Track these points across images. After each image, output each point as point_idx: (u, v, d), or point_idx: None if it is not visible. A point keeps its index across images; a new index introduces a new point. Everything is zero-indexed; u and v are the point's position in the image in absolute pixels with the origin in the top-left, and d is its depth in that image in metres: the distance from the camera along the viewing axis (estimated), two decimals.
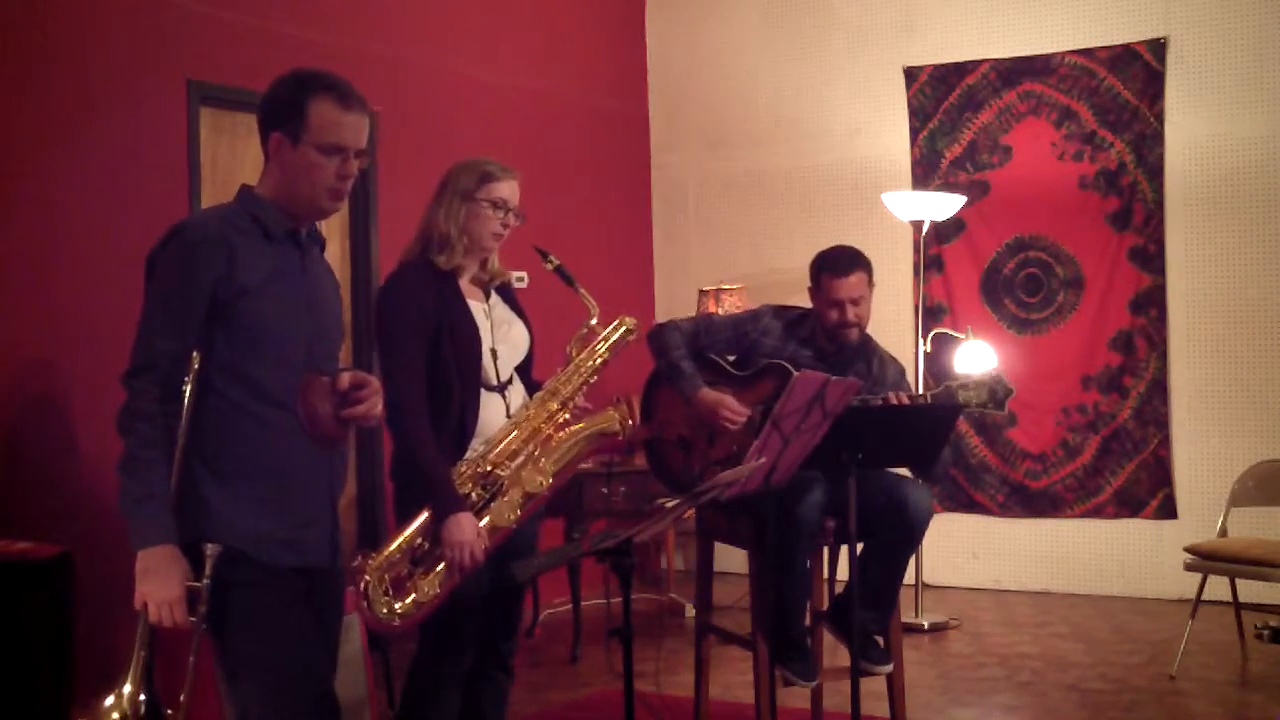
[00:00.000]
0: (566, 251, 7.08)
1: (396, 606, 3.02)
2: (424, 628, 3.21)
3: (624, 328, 3.41)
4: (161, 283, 2.55)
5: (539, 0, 7.21)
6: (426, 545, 3.08)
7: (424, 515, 3.08)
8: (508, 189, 3.33)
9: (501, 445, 3.22)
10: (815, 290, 4.17)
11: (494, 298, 3.40)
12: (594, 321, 3.36)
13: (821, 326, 4.14)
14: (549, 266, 3.41)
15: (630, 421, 3.38)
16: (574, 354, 3.35)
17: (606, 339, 3.38)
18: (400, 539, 3.06)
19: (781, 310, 4.26)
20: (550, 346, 3.54)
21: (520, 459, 3.22)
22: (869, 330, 4.25)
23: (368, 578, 2.98)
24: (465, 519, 3.08)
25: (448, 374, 3.21)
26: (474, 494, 3.16)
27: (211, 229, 2.58)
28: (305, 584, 2.64)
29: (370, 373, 2.76)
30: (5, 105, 4.66)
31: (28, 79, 4.73)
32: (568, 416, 3.30)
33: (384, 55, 6.12)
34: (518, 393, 3.35)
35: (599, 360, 3.36)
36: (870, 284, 4.15)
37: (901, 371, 4.28)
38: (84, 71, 4.90)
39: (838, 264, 4.11)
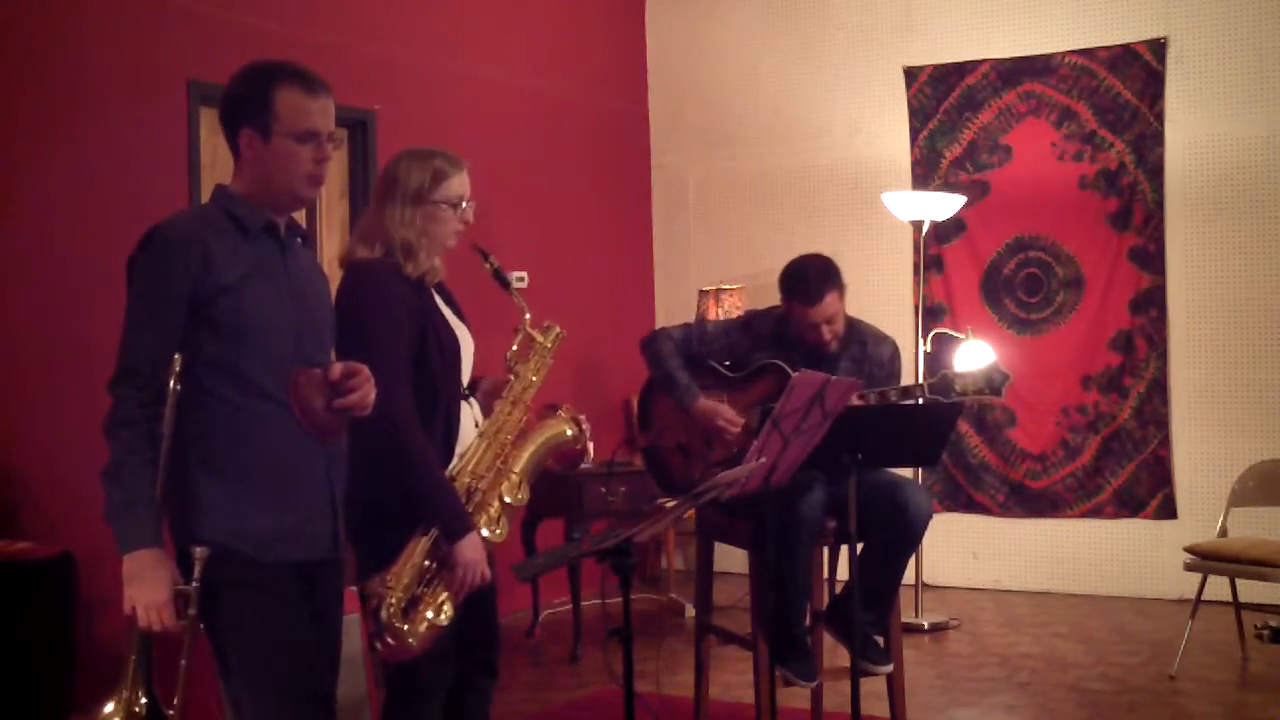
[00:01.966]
0: (567, 251, 7.14)
1: (419, 630, 2.94)
2: None
3: (555, 332, 3.31)
4: (139, 286, 2.54)
5: (539, 0, 7.21)
6: (434, 566, 2.99)
7: (430, 535, 2.97)
8: (461, 183, 3.18)
9: (476, 457, 3.13)
10: (788, 308, 4.16)
11: (437, 299, 3.26)
12: (527, 326, 3.26)
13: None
14: (487, 267, 3.29)
15: (583, 426, 3.32)
16: (514, 362, 3.25)
17: (545, 347, 3.28)
18: (412, 562, 2.96)
19: (764, 316, 4.28)
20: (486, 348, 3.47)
21: (492, 472, 3.14)
22: (861, 314, 4.29)
23: (392, 601, 2.90)
24: (475, 538, 3.01)
25: (434, 380, 3.09)
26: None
27: (185, 229, 2.57)
28: (305, 582, 2.63)
29: None
30: (5, 105, 4.66)
31: (28, 79, 4.73)
32: (524, 426, 3.22)
33: (383, 55, 6.12)
34: (474, 401, 3.27)
35: (545, 368, 3.27)
36: (841, 294, 4.12)
37: (894, 347, 4.27)
38: (84, 71, 4.90)
39: (807, 293, 4.06)
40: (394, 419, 2.94)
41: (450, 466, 3.12)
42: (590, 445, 5.75)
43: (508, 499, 3.13)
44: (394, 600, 2.90)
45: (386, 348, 3.00)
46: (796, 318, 4.12)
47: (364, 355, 2.91)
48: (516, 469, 3.17)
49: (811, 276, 4.09)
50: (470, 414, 3.22)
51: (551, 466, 3.53)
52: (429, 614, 2.96)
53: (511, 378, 3.23)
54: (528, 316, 3.26)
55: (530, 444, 3.22)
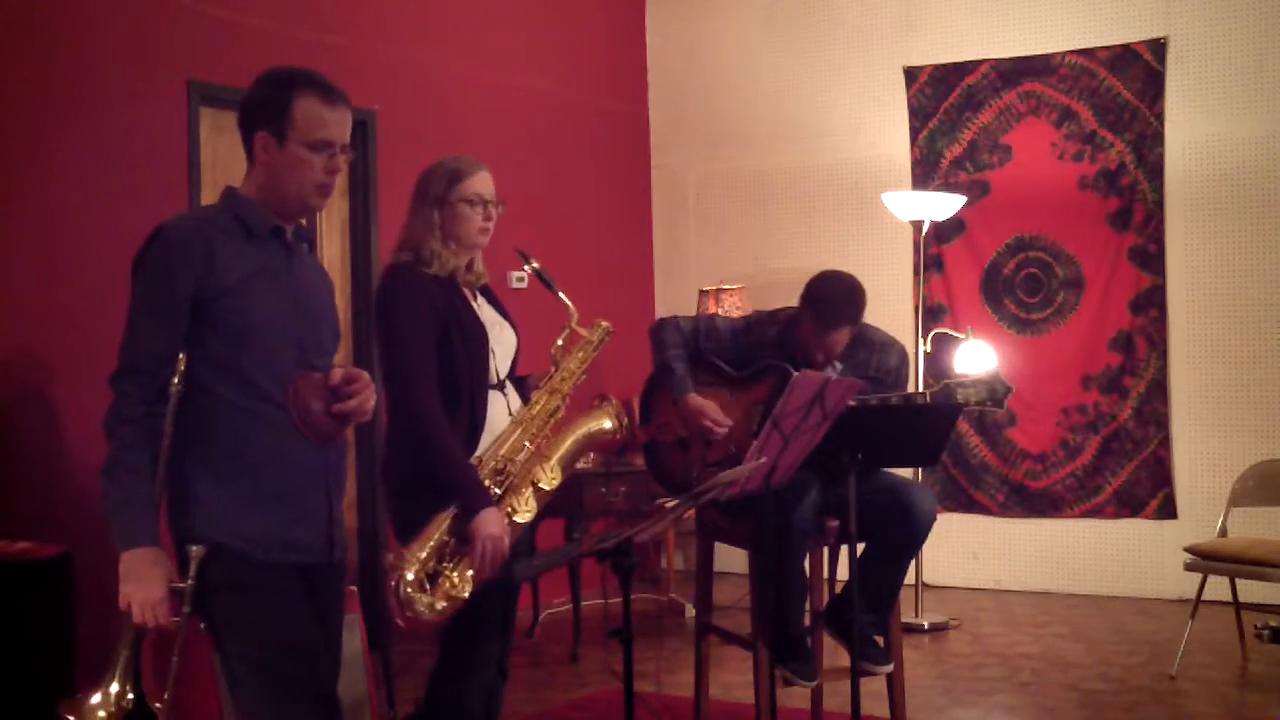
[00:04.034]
0: (567, 251, 7.15)
1: (434, 604, 3.03)
2: (446, 631, 3.22)
3: (602, 329, 3.45)
4: (143, 285, 2.56)
5: (539, 0, 7.21)
6: (453, 542, 3.08)
7: (450, 512, 3.08)
8: (480, 182, 3.30)
9: (509, 443, 3.24)
10: (802, 316, 4.14)
11: (480, 299, 3.39)
12: (574, 323, 3.39)
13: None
14: (529, 269, 3.42)
15: (624, 419, 3.41)
16: (559, 356, 3.38)
17: (590, 341, 3.42)
18: (432, 535, 3.06)
19: (772, 317, 4.26)
20: (531, 345, 3.55)
21: (526, 456, 3.25)
22: (868, 319, 4.25)
23: (408, 575, 2.99)
24: (495, 513, 3.09)
25: (458, 373, 3.20)
26: (491, 489, 3.19)
27: (190, 230, 2.59)
28: (305, 582, 2.63)
29: (370, 374, 2.75)
30: (5, 105, 4.66)
31: (28, 79, 4.73)
32: (562, 415, 3.34)
33: (384, 55, 6.12)
34: (513, 392, 3.38)
35: (588, 361, 3.41)
36: (855, 328, 4.09)
37: (902, 355, 4.24)
38: (84, 71, 4.90)
39: (825, 317, 4.02)
40: (414, 408, 3.13)
41: (480, 450, 3.22)
42: None
43: (540, 483, 3.24)
44: (408, 573, 2.99)
45: (406, 342, 3.17)
46: (804, 329, 4.10)
47: (388, 351, 3.17)
48: (553, 454, 3.29)
49: (836, 304, 4.03)
50: (504, 402, 3.32)
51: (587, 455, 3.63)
52: (448, 587, 3.05)
53: (552, 368, 3.36)
54: (575, 314, 3.39)
55: (570, 433, 3.35)
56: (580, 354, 3.40)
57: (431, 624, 3.06)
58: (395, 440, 3.25)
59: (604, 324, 3.45)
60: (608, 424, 3.40)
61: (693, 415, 4.11)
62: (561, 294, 3.38)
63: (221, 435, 2.55)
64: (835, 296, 4.05)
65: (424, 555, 3.04)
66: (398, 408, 3.16)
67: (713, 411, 4.10)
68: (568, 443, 3.33)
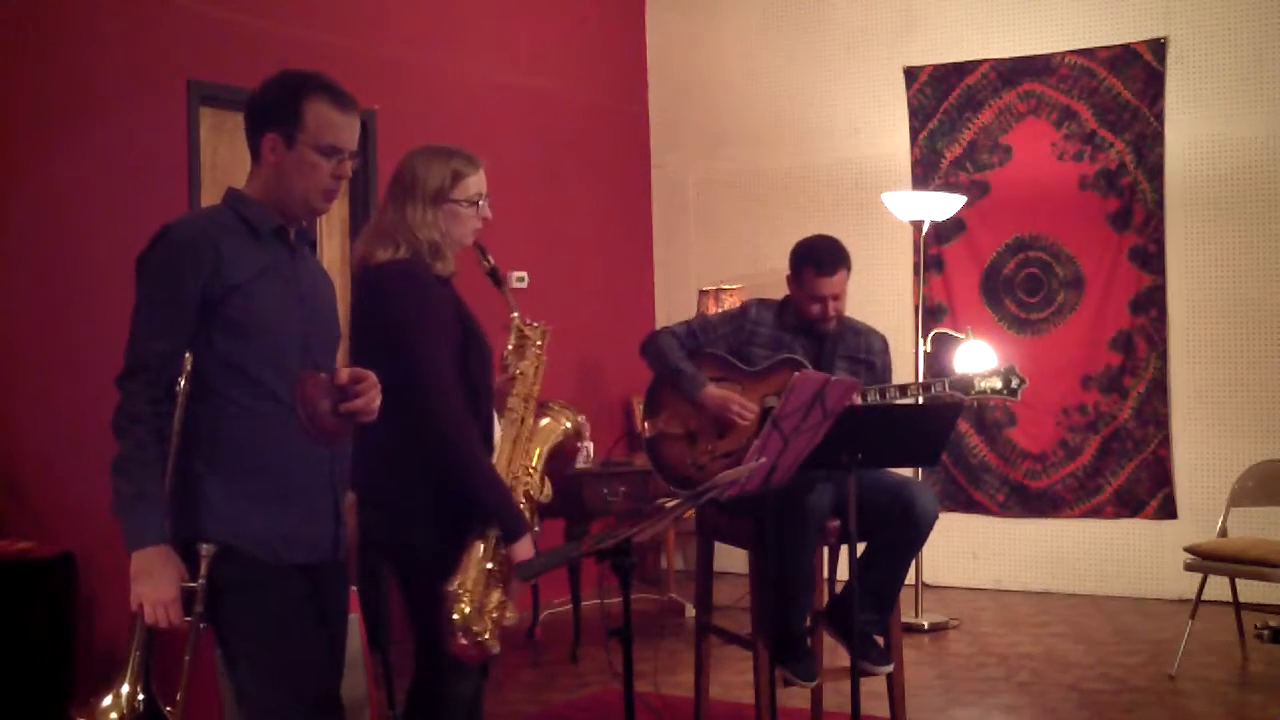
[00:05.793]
0: (567, 251, 7.14)
1: (492, 630, 2.97)
2: (423, 645, 3.10)
3: (542, 329, 3.30)
4: (149, 285, 2.56)
5: (539, 0, 7.21)
6: (495, 569, 3.00)
7: (491, 536, 2.98)
8: (478, 182, 3.16)
9: (504, 457, 3.15)
10: (795, 282, 4.24)
11: None
12: (519, 323, 3.26)
13: (803, 315, 4.22)
14: (484, 265, 3.25)
15: (578, 416, 3.34)
16: (513, 361, 3.24)
17: (538, 344, 3.28)
18: (477, 564, 2.97)
19: (765, 303, 4.34)
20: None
21: (516, 469, 3.16)
22: (861, 314, 4.39)
23: (467, 608, 2.92)
24: (530, 537, 3.04)
25: (475, 382, 3.07)
26: None
27: (196, 229, 2.59)
28: (309, 582, 2.64)
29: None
30: (5, 105, 4.66)
31: (28, 79, 4.74)
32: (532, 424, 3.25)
33: (384, 55, 6.12)
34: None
35: (543, 366, 3.28)
36: (848, 275, 4.22)
37: (884, 339, 4.37)
38: (84, 71, 4.90)
39: (821, 262, 4.16)
40: (449, 426, 2.95)
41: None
42: (590, 445, 5.76)
43: (537, 496, 3.18)
44: (466, 605, 2.93)
45: (432, 349, 2.99)
46: (806, 288, 4.17)
47: (404, 357, 2.94)
48: (536, 467, 3.20)
49: (826, 250, 4.20)
50: (494, 414, 3.24)
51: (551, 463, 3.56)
52: (494, 614, 2.98)
53: (517, 374, 3.23)
54: (515, 315, 3.25)
55: (540, 442, 3.25)
56: (531, 360, 3.25)
57: (491, 653, 2.99)
58: (413, 459, 3.00)
59: (542, 325, 3.30)
60: (568, 424, 3.30)
61: (718, 407, 4.14)
62: (508, 293, 3.25)
63: (228, 435, 2.55)
64: (823, 243, 4.24)
65: (474, 585, 2.95)
66: (424, 425, 2.91)
67: (738, 398, 4.15)
68: (540, 453, 3.23)
